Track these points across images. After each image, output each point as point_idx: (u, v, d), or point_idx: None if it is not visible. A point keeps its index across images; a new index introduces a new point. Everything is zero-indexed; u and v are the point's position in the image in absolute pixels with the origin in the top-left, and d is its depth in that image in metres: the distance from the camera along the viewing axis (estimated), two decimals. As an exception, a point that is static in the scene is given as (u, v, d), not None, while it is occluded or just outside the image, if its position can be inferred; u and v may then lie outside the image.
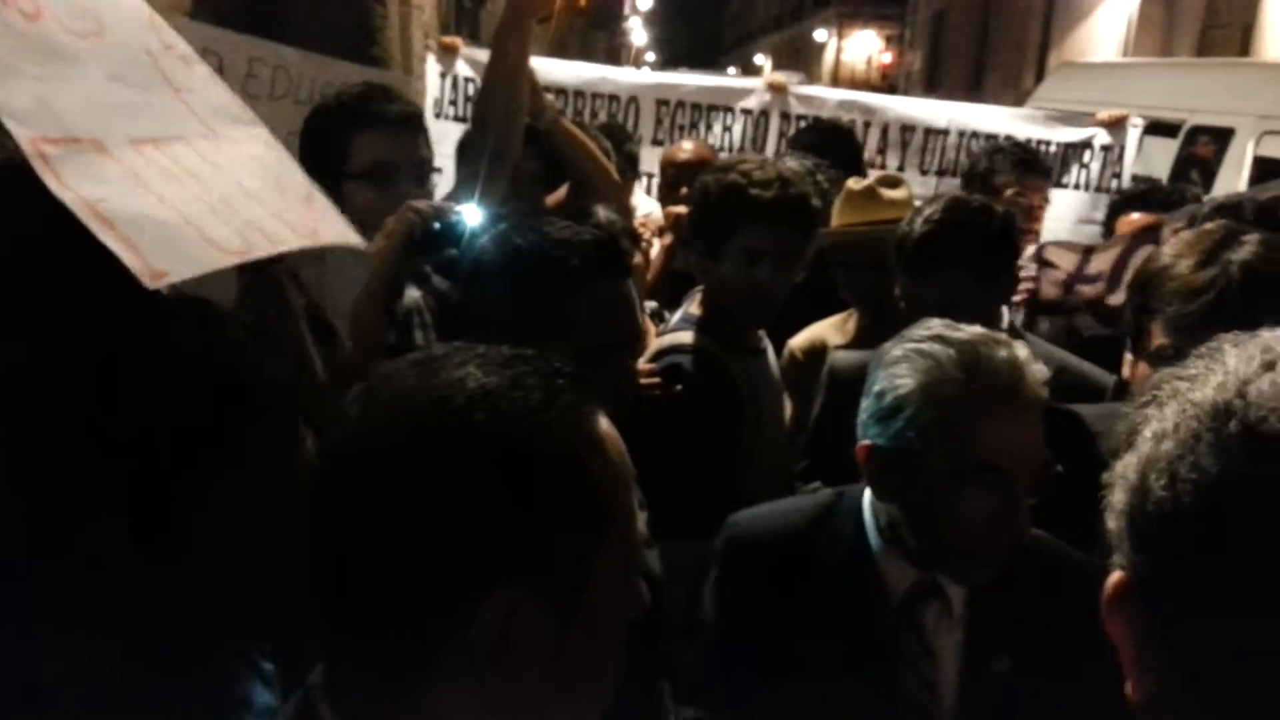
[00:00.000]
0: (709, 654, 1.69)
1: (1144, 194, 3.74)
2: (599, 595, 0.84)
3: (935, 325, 1.54)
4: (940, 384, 1.46)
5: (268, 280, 1.71)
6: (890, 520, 1.58)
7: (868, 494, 1.63)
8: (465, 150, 3.02)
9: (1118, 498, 0.72)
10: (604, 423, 0.88)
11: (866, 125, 4.69)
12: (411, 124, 2.24)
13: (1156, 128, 8.53)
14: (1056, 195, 4.48)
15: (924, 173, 4.65)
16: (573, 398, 0.85)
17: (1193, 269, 1.72)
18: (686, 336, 2.38)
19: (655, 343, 2.45)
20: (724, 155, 4.52)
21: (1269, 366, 0.68)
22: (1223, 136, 7.89)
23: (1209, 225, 1.89)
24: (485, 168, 2.40)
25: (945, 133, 4.68)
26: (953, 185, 4.27)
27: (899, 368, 1.50)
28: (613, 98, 4.63)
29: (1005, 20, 25.11)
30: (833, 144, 3.76)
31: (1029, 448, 1.46)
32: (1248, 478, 0.64)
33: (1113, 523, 0.73)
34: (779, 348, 2.70)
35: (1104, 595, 0.73)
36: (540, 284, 1.55)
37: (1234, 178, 7.43)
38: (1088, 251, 3.17)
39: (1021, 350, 1.50)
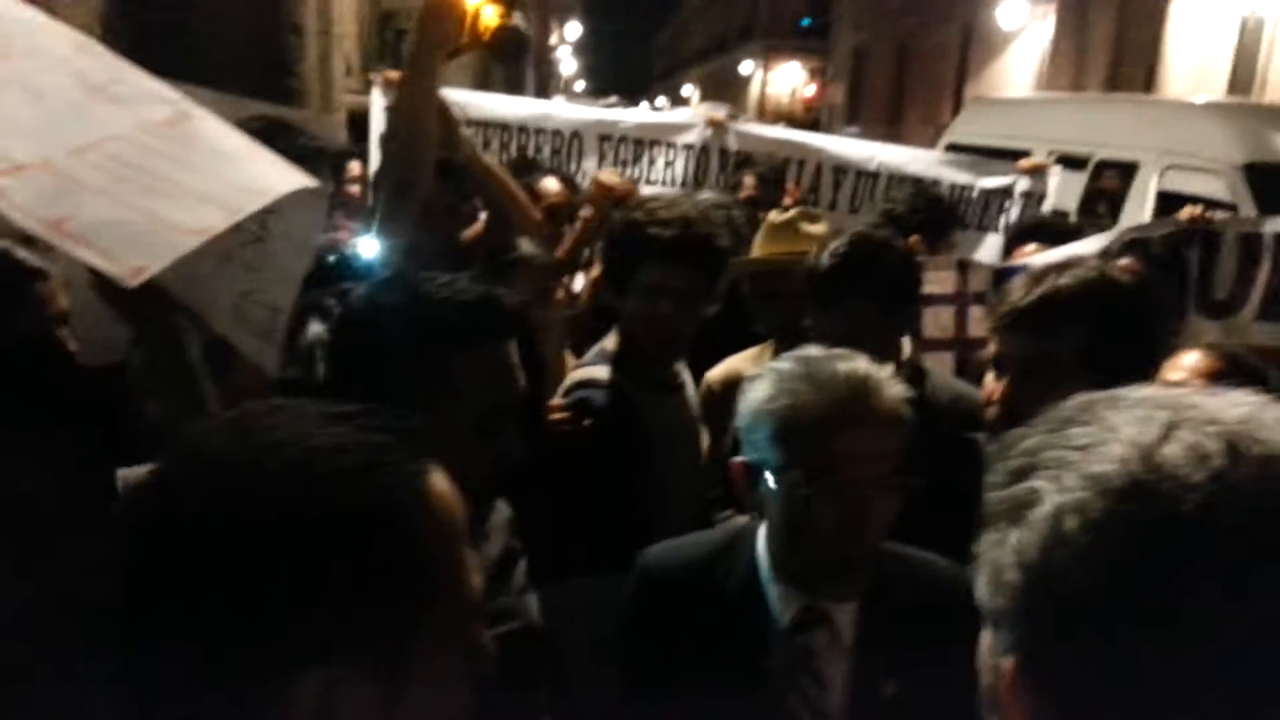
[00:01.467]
0: (621, 689, 1.70)
1: (1039, 226, 3.92)
2: (431, 663, 0.80)
3: (798, 352, 1.61)
4: (788, 396, 1.52)
5: (160, 327, 1.70)
6: (769, 546, 1.62)
7: (763, 525, 1.66)
8: (376, 183, 3.02)
9: (1010, 577, 0.69)
10: (436, 482, 0.83)
11: (800, 164, 4.81)
12: (312, 159, 2.23)
13: (1065, 161, 8.93)
14: (980, 238, 4.68)
15: (854, 211, 4.77)
16: (398, 459, 0.81)
17: (1021, 286, 1.96)
18: (599, 371, 2.40)
19: (569, 376, 2.47)
20: (667, 189, 4.62)
21: (1169, 431, 0.67)
22: (1128, 170, 8.23)
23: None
24: (390, 201, 2.39)
25: (876, 175, 4.82)
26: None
27: (755, 386, 1.57)
28: (556, 133, 4.68)
29: (922, 56, 25.84)
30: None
31: (874, 458, 1.50)
32: (1168, 565, 0.64)
33: (999, 599, 0.71)
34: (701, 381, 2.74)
35: (1001, 685, 0.72)
36: (411, 347, 1.45)
37: (1139, 210, 7.79)
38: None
39: (872, 367, 1.57)
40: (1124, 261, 2.93)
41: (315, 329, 2.25)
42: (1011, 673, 0.71)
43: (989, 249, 4.74)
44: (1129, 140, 8.53)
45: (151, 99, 1.50)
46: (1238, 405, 0.69)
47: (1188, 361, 2.22)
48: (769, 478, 1.55)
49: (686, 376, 2.59)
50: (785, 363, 1.59)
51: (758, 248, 2.88)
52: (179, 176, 1.40)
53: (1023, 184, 4.83)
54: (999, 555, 0.71)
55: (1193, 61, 14.70)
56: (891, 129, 26.36)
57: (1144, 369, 2.08)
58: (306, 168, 2.19)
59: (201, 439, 0.82)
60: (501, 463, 1.49)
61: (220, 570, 0.75)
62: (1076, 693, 0.67)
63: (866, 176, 4.83)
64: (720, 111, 5.80)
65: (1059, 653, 0.68)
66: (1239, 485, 0.64)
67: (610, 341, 2.49)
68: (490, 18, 2.39)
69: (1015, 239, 3.82)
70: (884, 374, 1.57)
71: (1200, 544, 0.63)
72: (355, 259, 2.05)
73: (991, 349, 2.00)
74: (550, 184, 3.58)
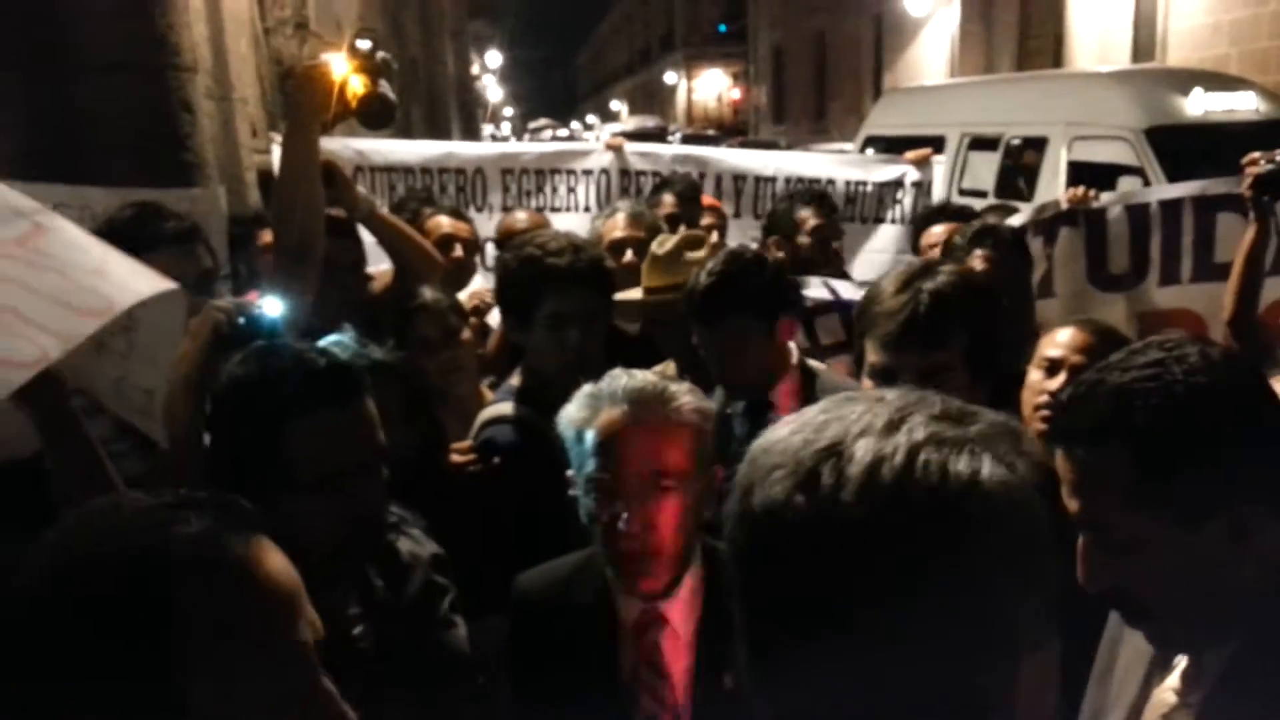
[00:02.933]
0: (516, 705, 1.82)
1: (941, 210, 4.08)
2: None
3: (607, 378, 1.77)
4: (587, 410, 1.71)
5: (55, 411, 1.72)
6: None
7: None
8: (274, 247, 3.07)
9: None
10: (264, 554, 0.89)
11: (702, 176, 4.92)
12: (185, 240, 2.29)
13: (979, 143, 9.08)
14: (877, 230, 4.84)
15: (758, 217, 4.89)
16: (227, 537, 0.87)
17: (891, 295, 1.97)
18: (505, 408, 2.47)
19: (478, 417, 2.54)
20: (571, 216, 4.70)
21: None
22: (1039, 145, 8.45)
23: (913, 260, 2.15)
24: (286, 265, 2.45)
25: (774, 180, 4.94)
26: None
27: (566, 408, 1.76)
28: (459, 171, 4.75)
29: (839, 49, 26.24)
30: None
31: (653, 459, 1.66)
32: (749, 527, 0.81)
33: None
34: None
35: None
36: (247, 413, 1.52)
37: (1053, 183, 7.93)
38: None
39: (663, 381, 1.75)
40: (979, 253, 3.03)
41: None
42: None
43: (885, 239, 4.89)
44: (1037, 116, 8.76)
45: (5, 215, 1.52)
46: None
47: (1062, 338, 2.34)
48: (588, 487, 1.70)
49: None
50: (589, 385, 1.75)
51: (645, 277, 2.96)
52: (16, 302, 1.41)
53: (912, 174, 4.98)
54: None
55: (1096, 33, 15.08)
56: (817, 124, 26.69)
57: (1005, 362, 2.20)
58: (179, 249, 2.26)
59: (64, 528, 0.89)
60: (357, 521, 1.55)
61: (62, 656, 0.81)
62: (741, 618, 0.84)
63: (765, 181, 4.95)
64: (650, 121, 5.95)
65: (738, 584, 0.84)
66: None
67: (515, 377, 2.57)
68: (357, 87, 2.46)
69: (921, 223, 3.94)
70: (676, 386, 1.74)
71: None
72: (261, 319, 2.12)
73: (872, 358, 1.99)
74: (439, 219, 3.66)
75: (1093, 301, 3.70)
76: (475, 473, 2.32)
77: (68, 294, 1.48)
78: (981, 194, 8.02)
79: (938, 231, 3.63)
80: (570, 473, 1.76)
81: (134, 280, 1.59)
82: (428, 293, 2.79)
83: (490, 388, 3.02)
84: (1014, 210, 4.03)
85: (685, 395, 1.72)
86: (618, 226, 3.47)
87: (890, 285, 2.02)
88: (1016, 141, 8.73)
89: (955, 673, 0.75)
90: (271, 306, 2.10)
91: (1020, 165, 8.58)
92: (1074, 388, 1.29)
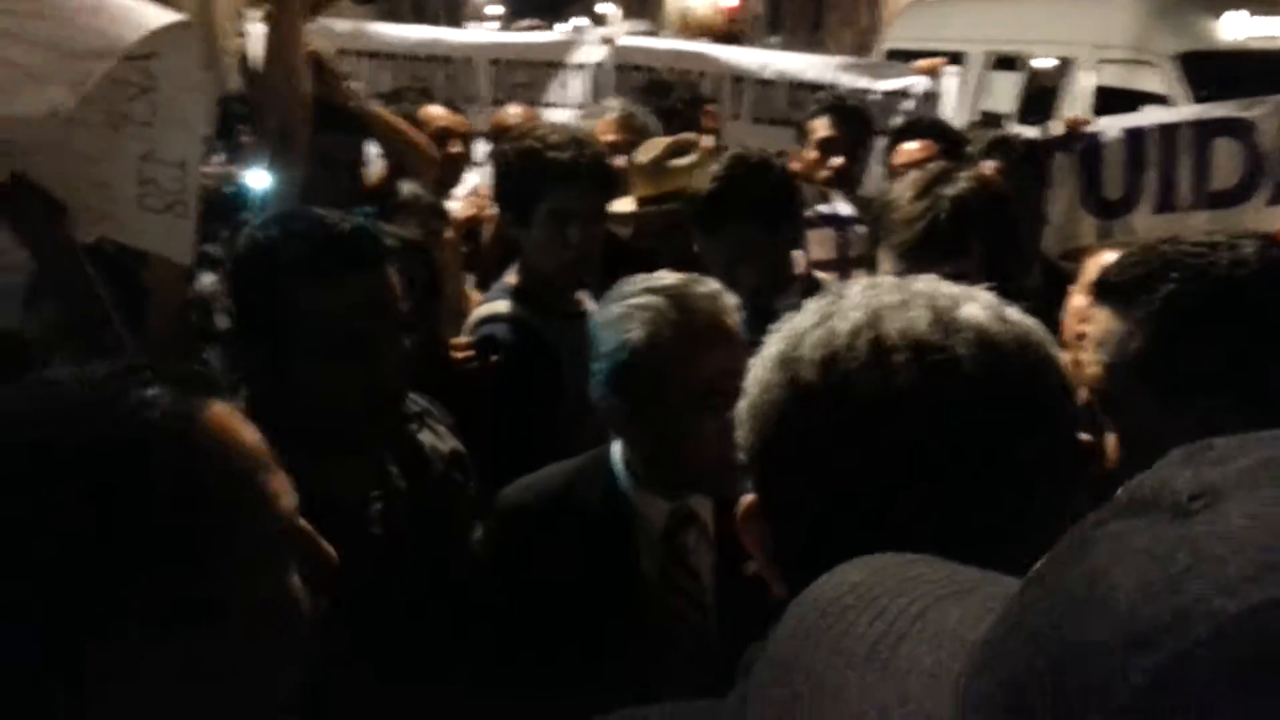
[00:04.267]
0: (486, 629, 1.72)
1: (914, 125, 3.80)
2: (247, 595, 0.79)
3: (639, 280, 1.70)
4: (663, 328, 1.60)
5: (46, 235, 1.69)
6: (644, 462, 1.69)
7: (615, 447, 1.73)
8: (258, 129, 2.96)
9: (739, 435, 0.86)
10: (214, 413, 0.82)
11: (701, 75, 4.74)
12: None
13: (1002, 62, 8.58)
14: (878, 142, 4.59)
15: (756, 121, 4.73)
16: (152, 395, 0.79)
17: (910, 201, 1.91)
18: (501, 306, 2.40)
19: (473, 314, 2.46)
20: (563, 111, 4.53)
21: (822, 320, 0.81)
22: (1063, 68, 7.96)
23: (931, 165, 2.09)
24: (274, 148, 2.36)
25: (773, 83, 4.76)
26: (786, 134, 4.35)
27: (624, 324, 1.63)
28: (447, 60, 4.57)
29: (839, -41, 25.54)
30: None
31: (737, 372, 1.57)
32: (792, 423, 0.80)
33: (742, 456, 0.87)
34: None
35: (740, 514, 0.87)
36: (268, 278, 1.52)
37: (1076, 109, 7.24)
38: None
39: (714, 285, 1.69)
40: (990, 163, 2.94)
41: (206, 279, 2.24)
42: (746, 508, 0.87)
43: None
44: (1062, 36, 8.23)
45: None
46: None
47: (1110, 261, 2.26)
48: (650, 407, 1.62)
49: (591, 304, 2.59)
50: (640, 296, 1.66)
51: (634, 189, 2.86)
52: (15, 55, 1.35)
53: (921, 84, 4.68)
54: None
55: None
56: (814, 35, 26.13)
57: (1017, 273, 2.14)
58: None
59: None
60: (380, 387, 1.54)
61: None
62: (769, 526, 0.85)
63: (765, 84, 4.77)
64: (641, 27, 5.76)
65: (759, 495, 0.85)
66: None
67: (511, 275, 2.49)
68: None
69: (895, 138, 3.68)
70: (721, 290, 1.69)
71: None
72: (248, 190, 2.07)
73: (887, 266, 1.95)
74: (434, 110, 3.53)
75: (1087, 227, 3.63)
76: (474, 369, 2.25)
77: (66, 39, 1.40)
78: (1002, 117, 7.57)
79: (910, 148, 3.44)
80: (604, 375, 1.68)
81: (135, 14, 1.49)
82: (406, 189, 2.73)
83: (479, 287, 2.94)
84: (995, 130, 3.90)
85: (731, 298, 1.70)
86: (607, 129, 3.34)
87: (908, 191, 1.96)
88: (1040, 62, 8.27)
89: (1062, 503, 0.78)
90: (257, 179, 2.05)
91: (1040, 88, 8.11)
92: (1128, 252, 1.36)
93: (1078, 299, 2.23)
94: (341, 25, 4.38)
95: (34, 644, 0.72)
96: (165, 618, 0.75)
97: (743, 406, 0.85)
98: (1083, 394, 1.27)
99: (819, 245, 3.21)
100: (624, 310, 1.66)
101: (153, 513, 0.75)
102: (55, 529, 0.73)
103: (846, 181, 3.60)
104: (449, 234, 2.71)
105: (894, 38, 10.40)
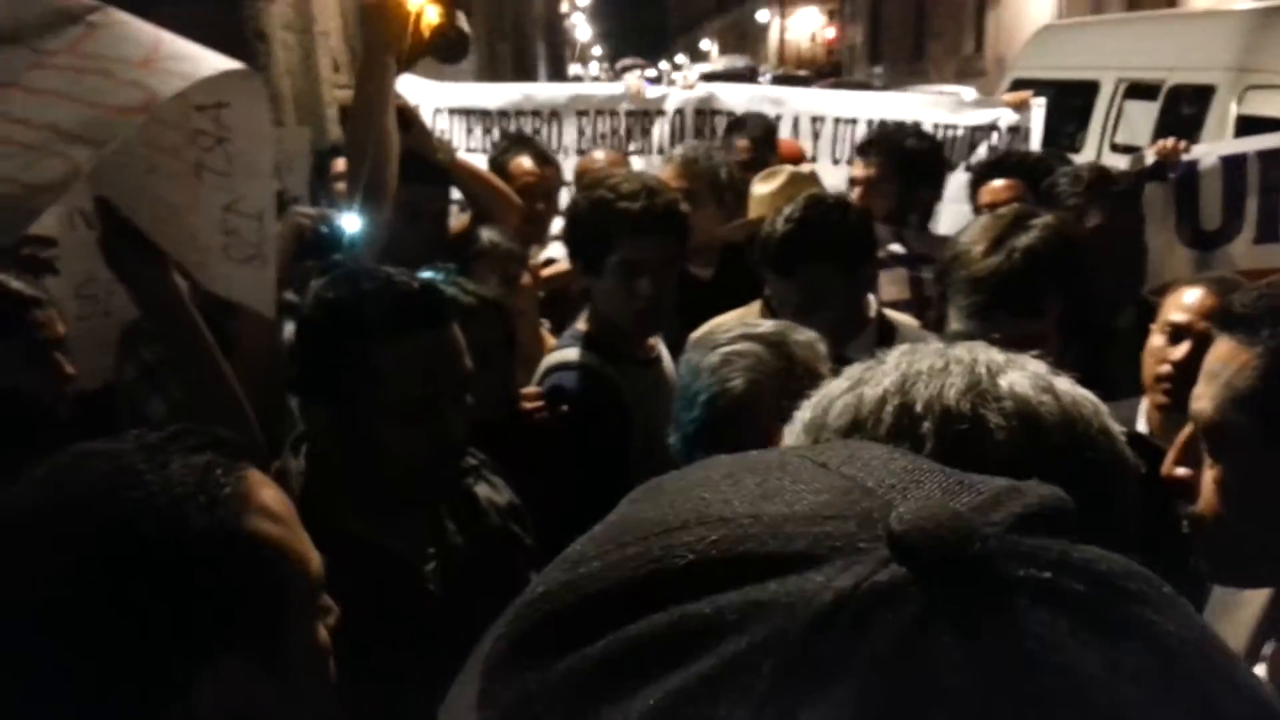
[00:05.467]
0: None
1: (1000, 161, 3.69)
2: (303, 640, 0.95)
3: (731, 327, 1.65)
4: (769, 376, 1.54)
5: (159, 288, 1.72)
6: None
7: None
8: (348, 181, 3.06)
9: None
10: (256, 484, 0.95)
11: (778, 118, 4.73)
12: None
13: (1136, 90, 7.70)
14: (965, 178, 4.47)
15: (835, 162, 4.68)
16: (217, 473, 0.92)
17: (981, 256, 1.80)
18: (571, 354, 2.40)
19: (543, 362, 2.48)
20: (647, 158, 4.57)
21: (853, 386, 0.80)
22: (1203, 95, 7.08)
23: (1002, 210, 1.98)
24: (360, 199, 2.42)
25: (854, 122, 4.70)
26: None
27: (724, 371, 1.56)
28: (535, 114, 4.67)
29: (940, -13, 25.23)
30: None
31: None
32: None
33: None
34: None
35: None
36: (336, 337, 1.55)
37: (1219, 139, 6.39)
38: None
39: (810, 332, 1.64)
40: (1094, 215, 2.80)
41: (289, 328, 2.31)
42: None
43: (954, 187, 4.39)
44: (1202, 60, 7.32)
45: (56, 22, 1.49)
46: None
47: (1189, 300, 2.14)
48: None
49: (662, 349, 2.58)
50: (738, 344, 1.59)
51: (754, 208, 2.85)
52: (58, 117, 1.38)
53: (1008, 118, 4.58)
54: None
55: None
56: (914, 65, 25.86)
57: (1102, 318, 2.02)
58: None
59: (38, 479, 0.92)
60: (444, 445, 1.57)
61: (86, 613, 0.84)
62: None
63: (844, 123, 4.71)
64: (740, 61, 5.73)
65: None
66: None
67: (582, 321, 2.49)
68: (432, 17, 2.39)
69: (979, 176, 3.58)
70: (815, 335, 1.63)
71: None
72: (341, 231, 2.15)
73: (956, 326, 1.83)
74: (524, 162, 3.59)
75: (1181, 260, 3.46)
76: (543, 420, 2.26)
77: (109, 93, 1.43)
78: (1137, 149, 7.07)
79: (997, 186, 3.33)
80: (696, 423, 1.61)
81: (185, 64, 1.52)
82: (485, 236, 2.77)
83: (552, 332, 2.96)
84: (1064, 159, 3.73)
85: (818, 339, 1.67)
86: (669, 176, 3.33)
87: (979, 244, 1.83)
88: (1178, 90, 7.31)
89: None
90: (351, 222, 2.13)
91: (1179, 116, 7.13)
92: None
93: (1156, 339, 2.12)
94: (435, 86, 4.52)
95: (160, 678, 0.86)
96: (257, 651, 0.90)
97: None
98: (1186, 429, 1.23)
99: (892, 285, 3.14)
100: (721, 358, 1.59)
101: (237, 571, 0.89)
102: (168, 590, 0.86)
103: (901, 219, 3.48)
104: (526, 279, 2.74)
105: (1021, 66, 9.61)
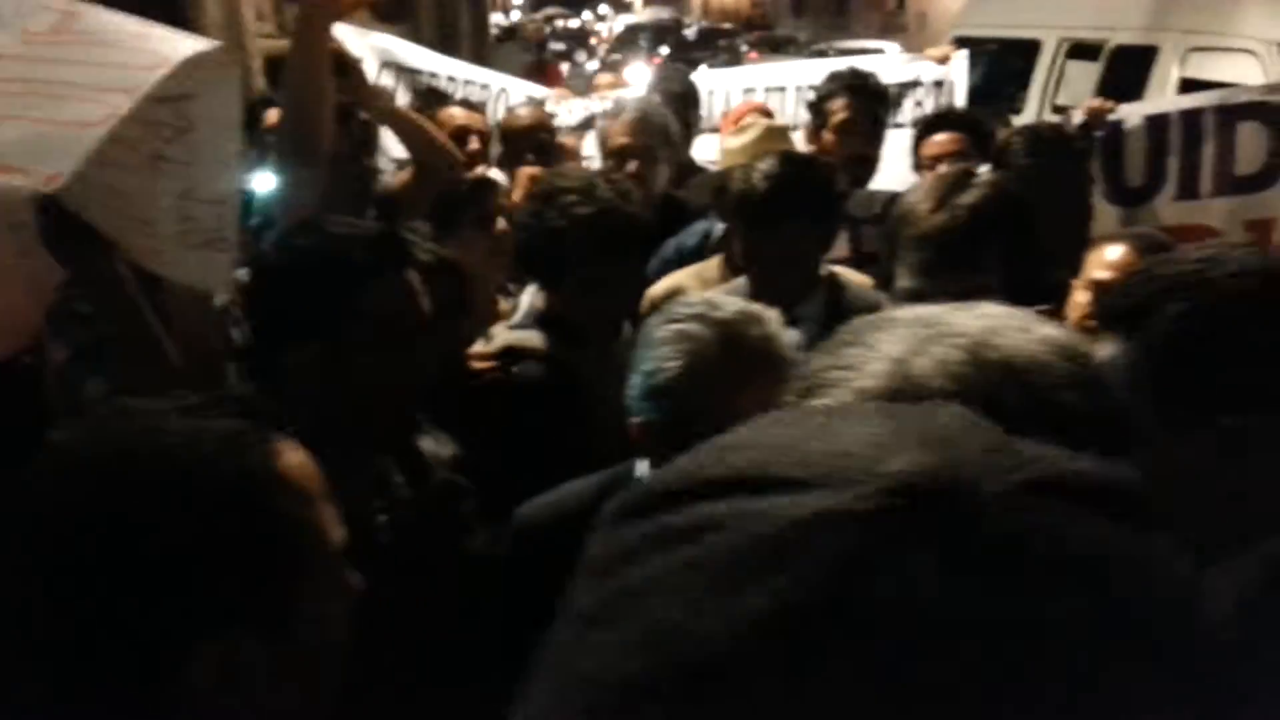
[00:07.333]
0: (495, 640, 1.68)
1: (943, 117, 3.65)
2: (312, 616, 0.93)
3: (695, 305, 1.63)
4: (701, 365, 1.54)
5: (105, 276, 1.71)
6: None
7: (640, 466, 1.71)
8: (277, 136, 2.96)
9: None
10: (288, 453, 0.95)
11: (711, 94, 4.64)
12: None
13: (1078, 50, 7.54)
14: (893, 135, 4.41)
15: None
16: (249, 440, 0.92)
17: (927, 214, 1.83)
18: (533, 338, 2.29)
19: (500, 336, 2.39)
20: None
21: (921, 346, 0.73)
22: (1146, 57, 6.99)
23: (948, 169, 2.02)
24: (291, 148, 2.37)
25: (783, 90, 4.64)
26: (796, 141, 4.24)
27: (665, 349, 1.57)
28: (484, 87, 4.58)
29: (864, -59, 25.26)
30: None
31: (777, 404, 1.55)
32: None
33: None
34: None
35: None
36: (326, 281, 1.59)
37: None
38: None
39: (773, 318, 1.61)
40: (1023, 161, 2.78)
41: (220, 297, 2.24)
42: None
43: (896, 145, 4.21)
44: (1146, 20, 7.25)
45: (33, 10, 1.55)
46: (982, 316, 0.76)
47: (1111, 256, 2.20)
48: (680, 436, 1.54)
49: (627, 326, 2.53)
50: (688, 323, 1.57)
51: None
52: (73, 77, 1.43)
53: (931, 72, 4.42)
54: None
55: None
56: (838, 20, 25.92)
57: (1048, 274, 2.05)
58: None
59: (66, 447, 0.91)
60: (416, 378, 1.66)
61: (98, 561, 0.84)
62: None
63: (774, 92, 4.56)
64: (665, 13, 5.62)
65: None
66: (976, 385, 0.70)
67: (539, 299, 2.42)
68: None
69: (923, 131, 3.48)
70: (779, 326, 1.60)
71: None
72: (253, 195, 2.10)
73: (904, 283, 1.85)
74: (452, 110, 3.51)
75: (1106, 216, 3.54)
76: (492, 382, 2.20)
77: (124, 55, 1.51)
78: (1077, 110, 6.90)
79: (941, 139, 3.30)
80: (640, 419, 1.61)
81: (180, 41, 1.60)
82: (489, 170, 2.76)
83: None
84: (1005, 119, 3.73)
85: (790, 333, 1.65)
86: (619, 133, 3.26)
87: (925, 202, 1.87)
88: (1120, 51, 7.21)
89: None
90: (265, 181, 2.08)
91: (1120, 78, 6.93)
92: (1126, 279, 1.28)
93: (1080, 295, 2.16)
94: (390, 41, 4.38)
95: (159, 637, 0.85)
96: (263, 626, 0.88)
97: None
98: None
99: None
100: (670, 334, 1.58)
101: (255, 537, 0.89)
102: (180, 551, 0.85)
103: (862, 171, 3.40)
104: (502, 224, 2.70)
105: (962, 25, 9.31)
